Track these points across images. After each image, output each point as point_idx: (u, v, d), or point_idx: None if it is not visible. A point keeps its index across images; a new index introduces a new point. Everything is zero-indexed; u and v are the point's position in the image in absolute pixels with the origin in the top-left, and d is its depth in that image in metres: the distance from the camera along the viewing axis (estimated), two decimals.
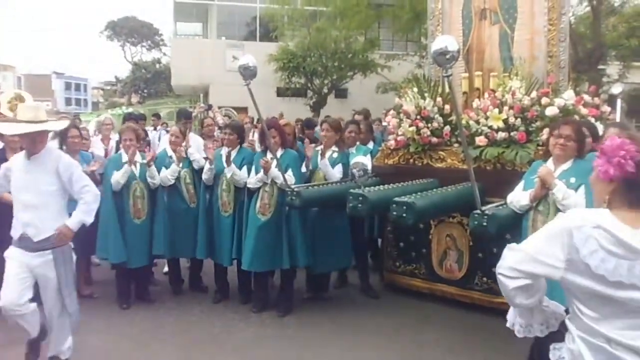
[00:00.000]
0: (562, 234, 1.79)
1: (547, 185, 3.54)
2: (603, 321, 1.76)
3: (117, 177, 5.18)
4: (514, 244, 1.93)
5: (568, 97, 4.75)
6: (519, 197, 3.87)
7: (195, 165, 5.65)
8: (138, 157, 5.33)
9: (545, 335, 2.02)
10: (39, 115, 3.67)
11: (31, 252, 3.63)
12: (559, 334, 1.93)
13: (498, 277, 1.91)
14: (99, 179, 5.19)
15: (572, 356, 1.84)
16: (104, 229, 5.23)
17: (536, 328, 2.03)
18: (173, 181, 5.53)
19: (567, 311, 1.95)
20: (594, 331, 1.77)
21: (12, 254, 3.71)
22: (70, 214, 3.76)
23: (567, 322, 1.90)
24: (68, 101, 65.17)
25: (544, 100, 4.76)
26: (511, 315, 2.11)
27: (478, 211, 3.88)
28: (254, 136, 8.28)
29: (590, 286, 1.74)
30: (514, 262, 1.86)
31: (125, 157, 5.28)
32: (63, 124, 4.39)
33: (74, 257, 3.83)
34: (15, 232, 3.73)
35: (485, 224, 3.84)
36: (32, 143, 3.63)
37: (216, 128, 7.19)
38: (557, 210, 3.50)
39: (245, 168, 5.27)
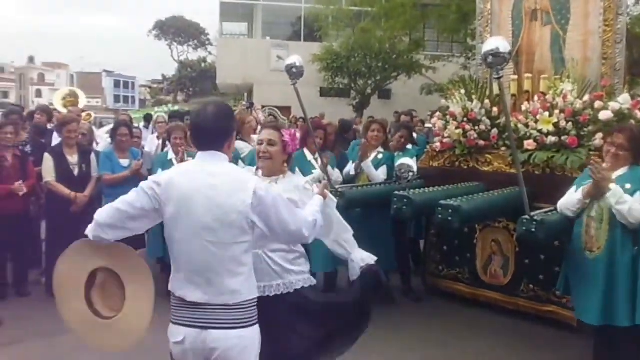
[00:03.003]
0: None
1: (602, 189, 3.40)
2: None
3: None
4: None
5: (624, 100, 4.58)
6: (572, 196, 3.75)
7: None
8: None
9: None
10: None
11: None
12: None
13: None
14: (147, 177, 5.27)
15: None
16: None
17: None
18: None
19: None
20: None
21: None
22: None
23: None
24: (117, 99, 66.99)
25: (597, 104, 4.61)
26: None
27: (527, 217, 3.78)
28: None
29: None
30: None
31: (170, 155, 5.33)
32: None
33: None
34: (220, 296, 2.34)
35: (534, 230, 3.74)
36: None
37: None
38: (611, 216, 3.39)
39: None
